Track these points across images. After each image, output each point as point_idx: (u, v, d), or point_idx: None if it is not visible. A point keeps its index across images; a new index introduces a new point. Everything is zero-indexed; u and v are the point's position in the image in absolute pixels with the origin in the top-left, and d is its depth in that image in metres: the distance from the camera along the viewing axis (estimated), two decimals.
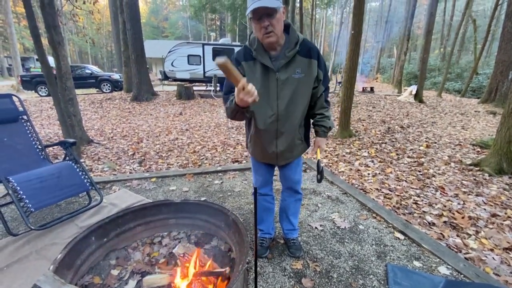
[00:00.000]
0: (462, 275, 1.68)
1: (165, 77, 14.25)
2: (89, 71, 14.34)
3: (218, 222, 1.91)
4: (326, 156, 4.36)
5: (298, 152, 1.65)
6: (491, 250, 2.03)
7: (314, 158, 1.60)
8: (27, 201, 1.92)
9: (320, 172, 1.61)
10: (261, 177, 1.79)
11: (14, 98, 2.61)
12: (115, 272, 1.65)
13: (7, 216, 2.31)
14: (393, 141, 5.20)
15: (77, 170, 2.32)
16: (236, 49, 12.79)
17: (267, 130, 1.50)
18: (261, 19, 1.27)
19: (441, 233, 2.22)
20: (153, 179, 3.09)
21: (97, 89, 14.43)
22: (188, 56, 13.72)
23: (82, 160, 4.09)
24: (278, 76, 1.40)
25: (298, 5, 14.13)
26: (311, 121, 1.66)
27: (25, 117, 2.58)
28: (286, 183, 1.81)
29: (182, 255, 1.67)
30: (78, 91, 13.11)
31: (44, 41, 4.28)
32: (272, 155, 1.59)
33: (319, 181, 1.63)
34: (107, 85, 14.30)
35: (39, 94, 12.74)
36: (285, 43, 1.40)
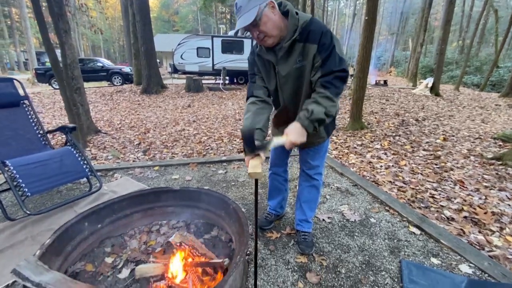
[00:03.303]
0: (487, 275, 1.51)
1: (175, 70, 14.23)
2: (101, 64, 14.50)
3: (218, 211, 1.80)
4: (336, 148, 4.18)
5: (313, 140, 1.50)
6: None
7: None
8: (24, 185, 1.86)
9: (258, 147, 1.15)
10: (276, 156, 1.80)
11: (16, 83, 2.57)
12: (109, 260, 1.57)
13: (7, 201, 2.28)
14: (407, 134, 4.95)
15: (76, 155, 2.25)
16: (245, 41, 12.48)
17: (279, 116, 1.51)
18: (249, 30, 1.20)
19: (461, 229, 2.04)
20: (156, 168, 3.01)
21: (108, 82, 14.59)
22: (197, 48, 13.62)
23: (88, 149, 4.07)
24: (278, 70, 1.34)
25: None
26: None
27: (26, 102, 2.54)
28: (302, 166, 1.71)
29: (178, 244, 1.58)
30: (90, 84, 13.36)
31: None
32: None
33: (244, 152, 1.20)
34: (117, 78, 14.44)
35: (52, 87, 12.97)
36: (287, 32, 1.25)
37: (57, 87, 12.62)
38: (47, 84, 13.12)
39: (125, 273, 1.47)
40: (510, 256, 1.74)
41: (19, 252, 1.65)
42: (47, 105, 9.10)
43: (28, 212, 1.84)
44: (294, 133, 1.16)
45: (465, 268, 1.56)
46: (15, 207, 2.21)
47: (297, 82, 1.33)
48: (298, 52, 1.25)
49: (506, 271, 1.53)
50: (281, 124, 1.50)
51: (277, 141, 1.19)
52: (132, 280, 1.41)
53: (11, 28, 28.84)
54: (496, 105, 8.63)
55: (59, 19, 4.00)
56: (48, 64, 16.65)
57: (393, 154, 3.84)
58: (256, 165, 1.14)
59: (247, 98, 1.45)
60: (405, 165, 3.42)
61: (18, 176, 1.87)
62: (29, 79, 16.26)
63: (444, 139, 4.61)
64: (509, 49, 22.70)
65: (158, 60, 13.12)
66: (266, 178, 2.39)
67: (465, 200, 2.51)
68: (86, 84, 10.69)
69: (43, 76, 13.03)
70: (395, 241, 1.81)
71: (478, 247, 1.83)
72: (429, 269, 1.53)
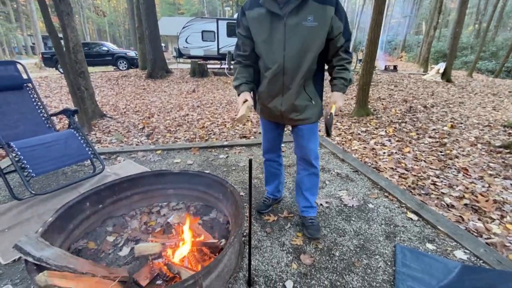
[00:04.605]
0: (482, 261, 1.51)
1: (180, 54, 14.04)
2: (106, 49, 14.42)
3: (216, 194, 1.83)
4: (340, 134, 4.14)
5: (307, 115, 1.48)
6: None
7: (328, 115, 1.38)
8: (28, 166, 1.91)
9: (329, 125, 1.38)
10: (268, 142, 1.77)
11: (19, 66, 2.58)
12: (110, 238, 1.63)
13: (15, 181, 2.36)
14: (414, 121, 4.86)
15: (79, 138, 2.29)
16: None
17: (272, 83, 1.41)
18: None
19: (460, 216, 2.03)
20: (159, 152, 3.05)
21: (114, 67, 14.56)
22: (202, 32, 13.34)
23: (93, 133, 4.13)
24: (285, 21, 1.27)
25: None
26: (326, 79, 1.46)
27: (30, 85, 2.56)
28: (299, 152, 1.66)
29: (176, 224, 1.62)
30: (95, 69, 13.34)
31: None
32: (277, 112, 1.50)
33: (328, 134, 1.43)
34: (123, 62, 14.36)
35: (59, 71, 12.99)
36: None
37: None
38: (54, 68, 13.17)
39: (125, 251, 1.53)
40: (508, 244, 1.73)
41: (26, 229, 1.72)
42: (55, 89, 9.16)
43: (33, 192, 1.91)
44: (341, 100, 1.40)
45: (460, 254, 1.56)
46: (22, 187, 2.29)
47: (306, 41, 1.28)
48: (309, 10, 1.24)
49: (502, 258, 1.53)
50: (272, 97, 1.46)
51: (333, 111, 1.39)
52: (131, 258, 1.47)
53: (17, 12, 28.60)
54: (510, 92, 8.33)
55: (60, 1, 3.95)
56: None
57: (397, 141, 3.79)
58: (242, 109, 1.32)
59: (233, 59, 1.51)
60: (408, 152, 3.37)
61: (22, 157, 1.92)
62: (37, 63, 16.34)
63: (452, 126, 4.50)
64: None
65: (163, 44, 12.96)
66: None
67: (467, 188, 2.48)
68: (92, 69, 10.69)
69: (50, 61, 13.05)
70: (392, 226, 1.82)
71: (475, 234, 1.82)
72: (423, 254, 1.54)
